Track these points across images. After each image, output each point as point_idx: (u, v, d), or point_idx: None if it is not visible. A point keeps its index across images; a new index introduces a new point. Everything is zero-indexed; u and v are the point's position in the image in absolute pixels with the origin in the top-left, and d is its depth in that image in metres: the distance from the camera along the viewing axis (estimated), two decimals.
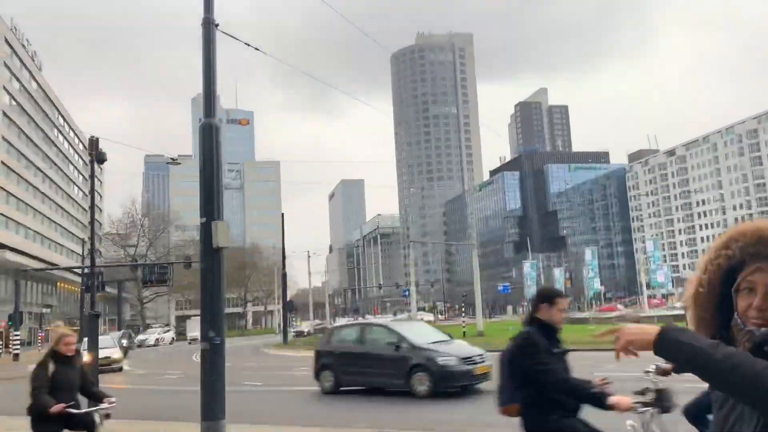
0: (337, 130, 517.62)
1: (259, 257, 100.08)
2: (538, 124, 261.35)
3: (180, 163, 20.28)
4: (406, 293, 62.86)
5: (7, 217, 68.64)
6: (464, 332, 35.66)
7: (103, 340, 15.71)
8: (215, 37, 9.77)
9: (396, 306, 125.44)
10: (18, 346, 39.16)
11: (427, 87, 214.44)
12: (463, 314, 38.74)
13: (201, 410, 8.84)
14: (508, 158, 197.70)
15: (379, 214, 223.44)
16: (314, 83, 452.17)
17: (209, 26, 9.71)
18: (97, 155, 10.97)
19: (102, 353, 12.11)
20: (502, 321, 60.84)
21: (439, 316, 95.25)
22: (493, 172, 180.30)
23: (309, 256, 70.34)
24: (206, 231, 9.18)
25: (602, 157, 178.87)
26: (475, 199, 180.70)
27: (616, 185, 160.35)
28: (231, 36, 10.34)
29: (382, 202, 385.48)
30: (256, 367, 25.43)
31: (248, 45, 10.67)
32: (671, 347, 1.54)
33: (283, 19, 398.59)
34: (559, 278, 69.03)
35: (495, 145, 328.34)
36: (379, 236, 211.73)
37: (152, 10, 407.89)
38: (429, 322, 30.81)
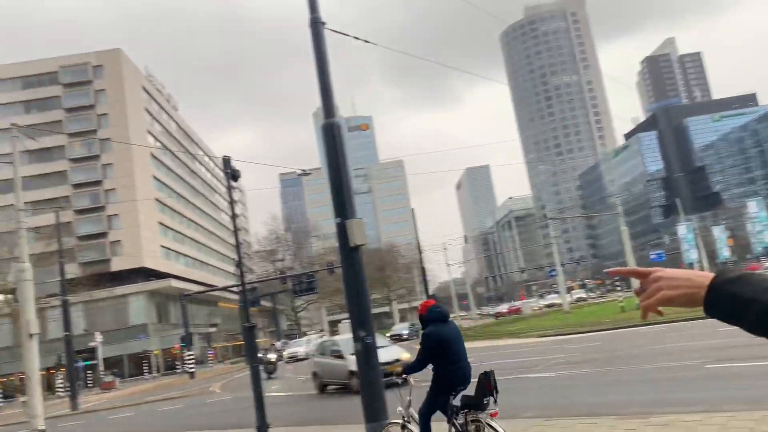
0: (455, 119, 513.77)
1: (397, 256, 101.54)
2: (670, 78, 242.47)
3: (310, 174, 20.92)
4: (552, 274, 60.55)
5: (167, 248, 74.92)
6: (622, 307, 33.64)
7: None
8: (324, 36, 9.65)
9: (543, 288, 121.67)
10: (193, 365, 42.40)
11: (543, 59, 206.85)
12: (619, 289, 36.35)
13: (363, 412, 8.73)
14: (642, 119, 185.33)
15: (510, 197, 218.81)
16: (426, 77, 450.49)
17: (317, 25, 9.61)
18: (231, 173, 11.27)
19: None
20: None
21: (591, 294, 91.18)
22: (627, 135, 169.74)
23: (445, 248, 70.08)
24: (342, 231, 9.07)
25: (749, 100, 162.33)
26: (612, 166, 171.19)
27: None
28: (339, 32, 10.18)
29: (512, 184, 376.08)
30: None
31: (357, 38, 10.48)
32: (732, 304, 1.08)
33: (384, 15, 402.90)
34: (720, 237, 63.03)
35: (624, 107, 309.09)
36: (513, 220, 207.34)
37: (263, 33, 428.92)
38: (580, 299, 28.90)
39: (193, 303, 73.11)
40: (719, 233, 64.36)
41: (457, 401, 6.06)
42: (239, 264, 14.04)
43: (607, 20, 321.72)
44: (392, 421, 7.19)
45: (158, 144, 78.46)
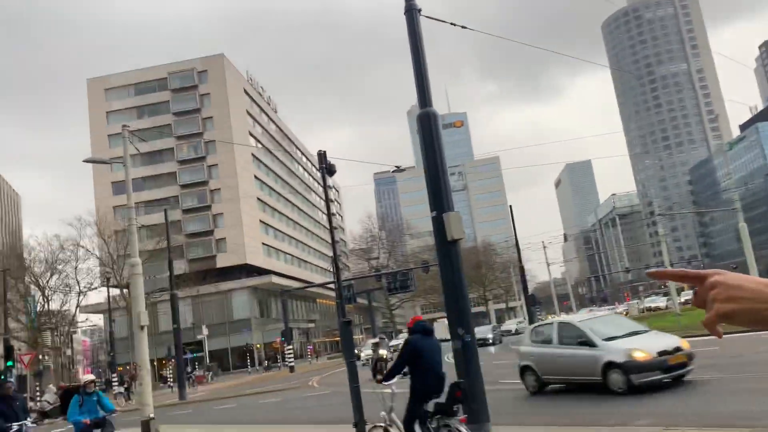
0: (554, 113, 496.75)
1: (493, 254, 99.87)
2: None
3: (404, 170, 20.72)
4: None
5: (268, 246, 77.50)
6: None
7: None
8: (419, 24, 9.32)
9: (651, 289, 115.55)
10: (292, 359, 43.48)
11: (648, 48, 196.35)
12: None
13: (463, 413, 8.32)
14: (761, 107, 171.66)
15: (613, 194, 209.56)
16: (522, 68, 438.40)
17: (412, 13, 9.29)
18: (327, 167, 11.18)
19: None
20: None
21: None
22: (743, 126, 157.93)
23: (544, 247, 67.96)
24: (438, 224, 8.71)
25: None
26: (726, 159, 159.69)
27: None
28: (434, 19, 9.81)
29: (615, 180, 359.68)
30: (509, 364, 24.48)
31: (453, 24, 10.05)
32: None
33: (477, 7, 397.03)
34: None
35: (741, 96, 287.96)
36: (617, 217, 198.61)
37: (357, 30, 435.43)
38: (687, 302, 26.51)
39: (293, 299, 75.22)
40: None
41: (430, 407, 6.76)
42: (335, 261, 13.99)
43: (721, 2, 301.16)
44: (376, 425, 7.80)
45: (259, 145, 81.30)
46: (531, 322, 42.12)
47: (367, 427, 8.21)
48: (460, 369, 8.42)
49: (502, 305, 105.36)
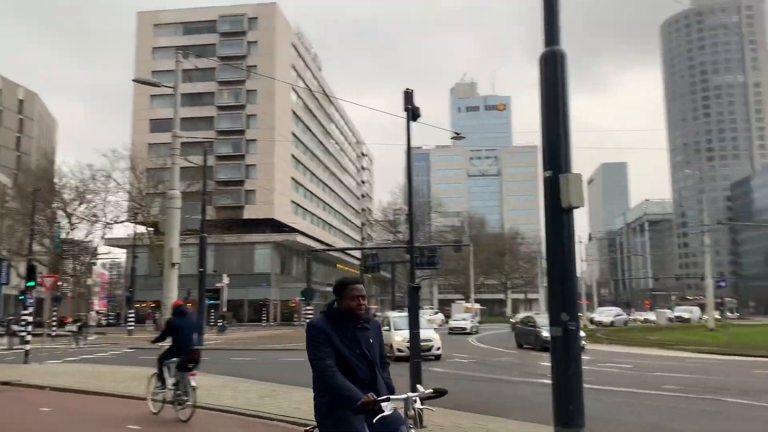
0: (598, 108, 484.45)
1: (520, 243, 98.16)
2: None
3: (465, 137, 19.42)
4: (721, 285, 51.71)
5: (297, 204, 76.67)
6: None
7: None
8: None
9: (671, 300, 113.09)
10: (310, 319, 42.68)
11: (706, 55, 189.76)
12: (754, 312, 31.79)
13: (554, 413, 7.01)
14: None
15: (647, 200, 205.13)
16: (571, 57, 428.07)
17: None
18: (412, 109, 9.80)
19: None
20: None
21: (729, 314, 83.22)
22: None
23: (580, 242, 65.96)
24: (552, 187, 7.26)
25: None
26: None
27: None
28: None
29: (649, 186, 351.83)
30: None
31: None
32: None
33: None
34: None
35: None
36: (647, 223, 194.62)
37: None
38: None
39: (315, 261, 74.55)
40: None
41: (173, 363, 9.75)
42: (410, 212, 12.64)
43: None
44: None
45: (300, 102, 79.97)
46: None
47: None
48: (558, 360, 7.07)
49: (521, 295, 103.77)
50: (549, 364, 7.24)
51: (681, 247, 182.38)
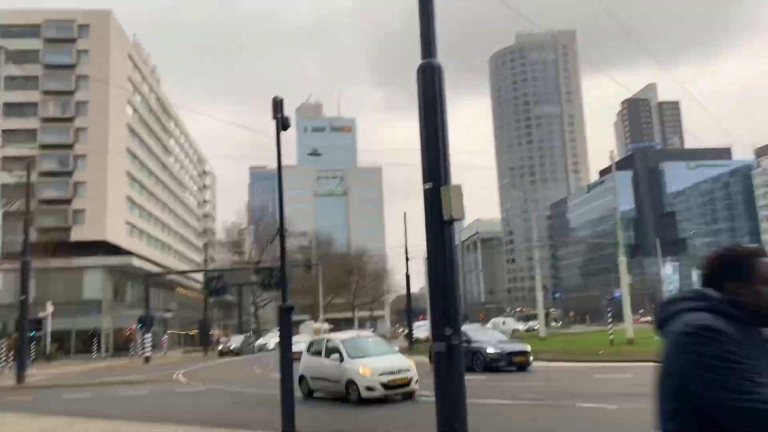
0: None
1: (367, 262, 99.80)
2: (648, 123, 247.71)
3: (321, 154, 18.96)
4: (557, 296, 55.71)
5: (132, 225, 71.59)
6: (611, 340, 32.42)
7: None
8: None
9: (500, 312, 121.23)
10: (150, 349, 39.67)
11: (529, 87, 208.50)
12: (610, 320, 35.19)
13: (437, 424, 6.88)
14: (618, 158, 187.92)
15: (478, 219, 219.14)
16: (411, 79, 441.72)
17: None
18: (282, 119, 9.30)
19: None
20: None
21: (553, 323, 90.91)
22: (603, 172, 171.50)
23: (407, 259, 68.39)
24: (433, 199, 7.21)
25: (723, 153, 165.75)
26: (584, 201, 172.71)
27: (741, 183, 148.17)
28: None
29: (482, 205, 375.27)
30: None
31: None
32: None
33: (382, 18, 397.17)
34: (698, 281, 62.62)
35: (602, 144, 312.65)
36: (479, 241, 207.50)
37: (248, 12, 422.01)
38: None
39: (152, 286, 69.85)
40: (696, 277, 64.35)
41: None
42: (281, 237, 11.99)
43: (596, 58, 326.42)
44: None
45: (137, 116, 75.23)
46: (411, 331, 41.69)
47: None
48: (441, 377, 6.94)
49: (368, 313, 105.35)
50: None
51: (509, 262, 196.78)
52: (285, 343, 8.35)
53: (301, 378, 15.22)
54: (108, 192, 63.57)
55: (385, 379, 13.18)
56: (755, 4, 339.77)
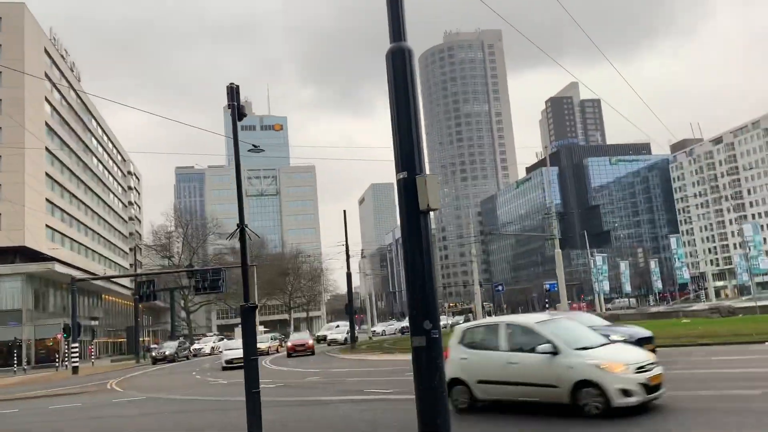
0: (367, 128, 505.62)
1: (303, 262, 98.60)
2: (570, 120, 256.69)
3: (263, 150, 18.26)
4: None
5: (53, 229, 67.89)
6: None
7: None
8: None
9: (443, 308, 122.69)
10: (77, 359, 37.61)
11: (457, 86, 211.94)
12: (548, 309, 35.97)
13: (419, 423, 6.61)
14: (542, 155, 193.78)
15: None
16: (340, 77, 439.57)
17: None
18: (237, 107, 8.74)
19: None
20: None
21: (488, 317, 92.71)
22: (529, 169, 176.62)
23: (348, 257, 67.88)
24: (409, 189, 6.96)
25: (642, 148, 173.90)
26: (513, 196, 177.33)
27: (660, 177, 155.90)
28: None
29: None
30: (363, 373, 22.62)
31: None
32: None
33: (313, 14, 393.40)
34: (625, 272, 65.56)
35: (528, 141, 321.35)
36: None
37: (172, 8, 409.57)
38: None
39: (76, 292, 66.37)
40: (624, 268, 67.13)
41: None
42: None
43: (521, 57, 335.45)
44: None
45: (55, 115, 71.33)
46: (353, 330, 41.22)
47: None
48: (421, 371, 6.68)
49: (304, 314, 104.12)
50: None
51: (443, 258, 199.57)
52: (250, 344, 7.85)
53: (455, 383, 10.58)
54: (26, 195, 59.94)
55: (643, 377, 9.13)
56: (673, 6, 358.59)
